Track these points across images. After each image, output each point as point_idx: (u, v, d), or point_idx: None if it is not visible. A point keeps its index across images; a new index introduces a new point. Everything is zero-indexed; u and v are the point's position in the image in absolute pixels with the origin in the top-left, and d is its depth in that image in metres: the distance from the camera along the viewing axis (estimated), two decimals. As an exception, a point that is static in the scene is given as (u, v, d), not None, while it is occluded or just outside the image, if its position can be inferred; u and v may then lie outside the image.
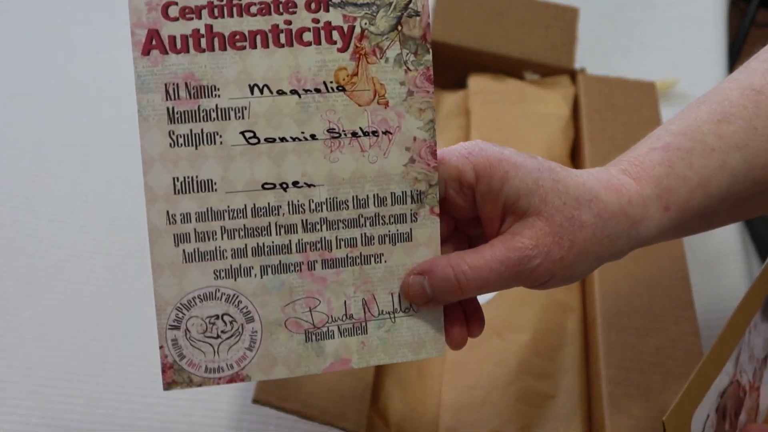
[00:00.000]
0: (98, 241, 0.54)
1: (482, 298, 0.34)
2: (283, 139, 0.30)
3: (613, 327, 0.42)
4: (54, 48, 0.67)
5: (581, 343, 0.45)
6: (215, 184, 0.30)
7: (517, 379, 0.42)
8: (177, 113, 0.29)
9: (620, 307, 0.43)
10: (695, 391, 0.31)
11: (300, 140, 0.30)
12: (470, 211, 0.32)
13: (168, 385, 0.31)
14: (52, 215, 0.55)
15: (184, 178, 0.29)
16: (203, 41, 0.29)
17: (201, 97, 0.29)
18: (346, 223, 0.31)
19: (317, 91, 0.30)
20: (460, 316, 0.33)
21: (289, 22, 0.29)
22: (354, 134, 0.30)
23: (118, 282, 0.52)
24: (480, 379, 0.43)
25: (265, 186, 0.30)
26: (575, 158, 0.54)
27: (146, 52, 0.29)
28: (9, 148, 0.59)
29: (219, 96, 0.29)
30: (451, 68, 0.59)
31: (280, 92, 0.30)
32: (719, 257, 0.54)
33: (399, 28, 0.30)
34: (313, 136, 0.30)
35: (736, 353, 0.34)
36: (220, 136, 0.29)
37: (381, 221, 0.31)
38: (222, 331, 0.31)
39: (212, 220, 0.30)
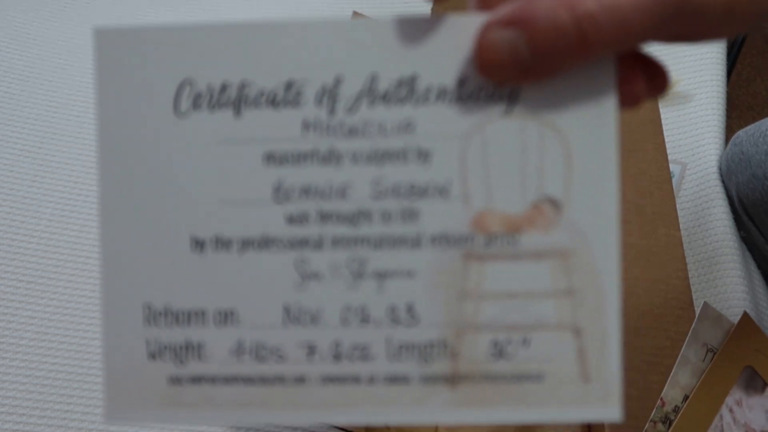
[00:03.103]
0: (98, 241, 0.54)
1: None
2: None
3: (613, 327, 0.42)
4: (54, 48, 0.67)
5: (581, 343, 0.45)
6: None
7: (517, 379, 0.42)
8: None
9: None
10: None
11: None
12: None
13: None
14: (52, 215, 0.55)
15: None
16: None
17: None
18: None
19: None
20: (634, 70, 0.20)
21: None
22: None
23: (118, 282, 0.52)
24: (480, 379, 0.43)
25: None
26: (575, 158, 0.54)
27: None
28: (9, 148, 0.59)
29: None
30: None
31: None
32: (718, 257, 0.54)
33: None
34: None
35: None
36: None
37: None
38: None
39: None
